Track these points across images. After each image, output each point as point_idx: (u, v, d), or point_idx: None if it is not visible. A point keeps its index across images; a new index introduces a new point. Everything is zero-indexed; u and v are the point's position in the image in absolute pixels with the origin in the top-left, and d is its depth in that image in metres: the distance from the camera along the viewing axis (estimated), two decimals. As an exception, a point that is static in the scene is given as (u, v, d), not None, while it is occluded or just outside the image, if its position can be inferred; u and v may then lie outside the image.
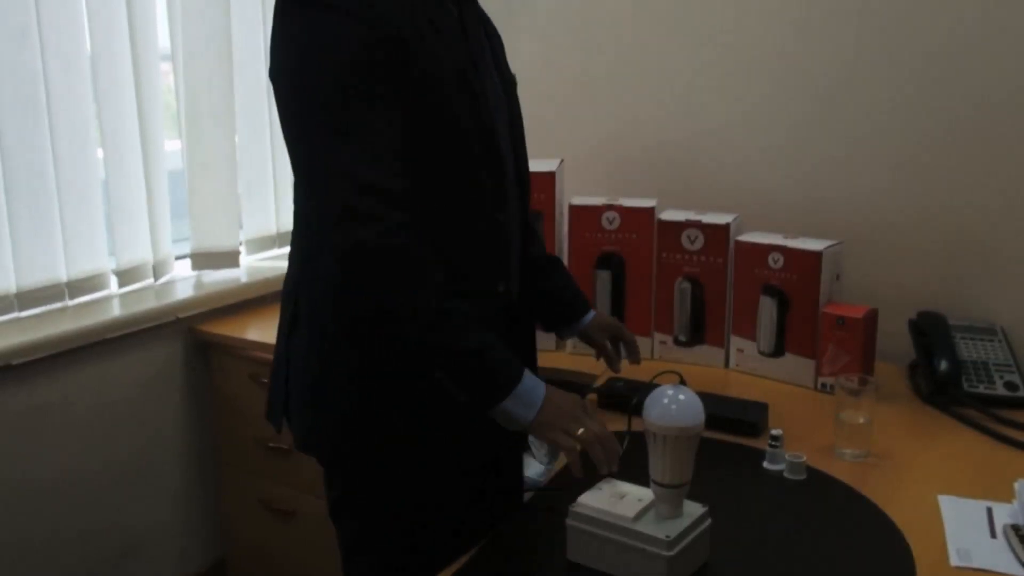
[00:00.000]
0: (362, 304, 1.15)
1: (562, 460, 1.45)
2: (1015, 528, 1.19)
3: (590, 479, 1.16)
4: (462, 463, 1.32)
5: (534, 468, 1.88)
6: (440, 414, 1.23)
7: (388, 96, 1.12)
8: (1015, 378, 1.67)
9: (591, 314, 1.58)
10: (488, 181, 1.26)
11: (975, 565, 1.14)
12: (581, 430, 1.16)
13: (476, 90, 1.23)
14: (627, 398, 1.55)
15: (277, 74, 1.17)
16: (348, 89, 1.11)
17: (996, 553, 1.16)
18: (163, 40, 2.17)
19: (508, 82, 1.38)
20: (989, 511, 1.26)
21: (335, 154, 1.11)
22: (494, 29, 1.41)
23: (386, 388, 1.24)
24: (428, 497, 1.30)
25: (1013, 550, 1.16)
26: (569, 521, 1.13)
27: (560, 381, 1.53)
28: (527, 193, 1.41)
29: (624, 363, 1.63)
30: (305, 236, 1.28)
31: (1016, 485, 1.26)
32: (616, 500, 1.12)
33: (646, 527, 1.08)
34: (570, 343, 1.93)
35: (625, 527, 1.08)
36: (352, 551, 1.39)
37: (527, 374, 1.18)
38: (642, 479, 1.13)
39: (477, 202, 1.25)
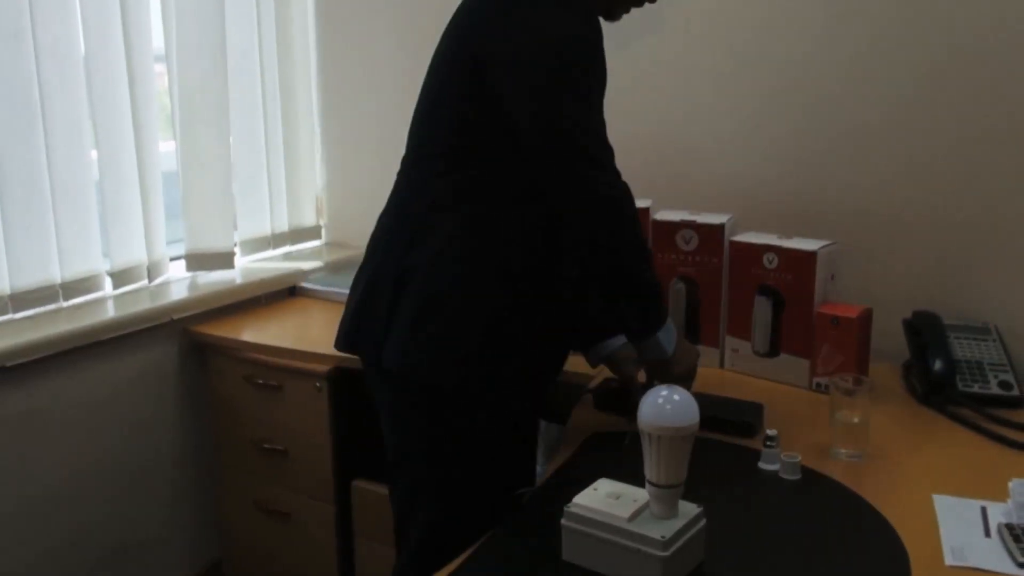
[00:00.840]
0: (606, 240, 1.38)
1: (556, 461, 1.46)
2: (1009, 527, 1.19)
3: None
4: (533, 414, 1.54)
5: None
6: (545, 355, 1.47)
7: (604, 81, 1.39)
8: (1009, 377, 1.68)
9: (623, 339, 1.55)
10: None
11: (970, 564, 1.14)
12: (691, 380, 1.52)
13: None
14: (623, 399, 1.55)
15: (512, 53, 1.34)
16: (587, 71, 1.35)
17: (990, 552, 1.16)
18: (157, 41, 2.17)
19: None
20: (983, 510, 1.26)
21: (584, 119, 1.34)
22: None
23: (518, 316, 1.41)
24: (504, 443, 1.46)
25: (1007, 549, 1.16)
26: (564, 522, 1.13)
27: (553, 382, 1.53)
28: None
29: None
30: (434, 187, 1.43)
31: (1010, 484, 1.26)
32: (611, 500, 1.12)
33: (641, 527, 1.08)
34: None
35: (620, 527, 1.08)
36: (420, 495, 1.48)
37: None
38: (637, 479, 1.13)
39: None
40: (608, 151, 1.38)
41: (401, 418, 1.47)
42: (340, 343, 1.53)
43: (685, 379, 1.51)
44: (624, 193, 1.39)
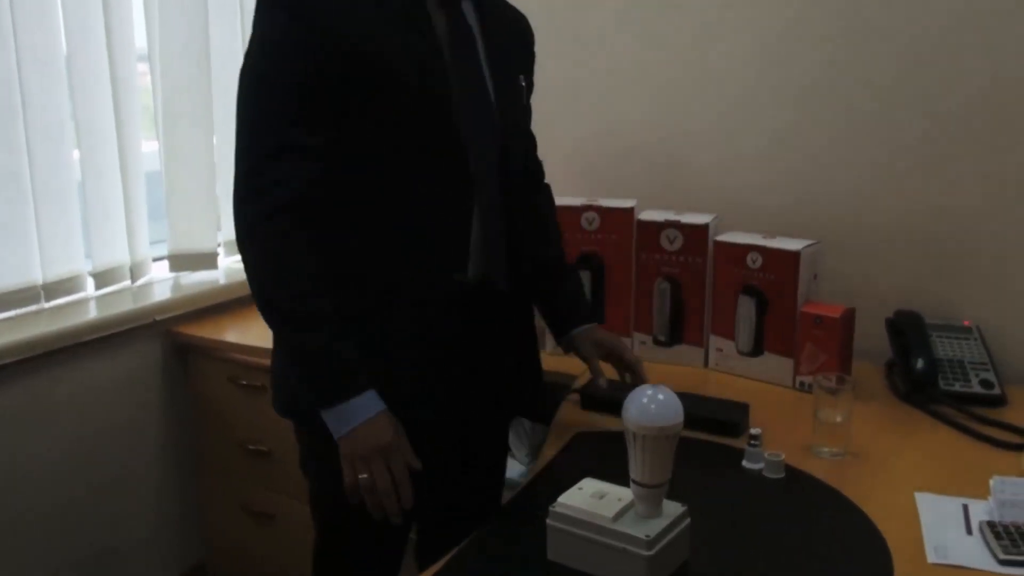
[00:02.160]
0: (249, 278, 1.25)
1: (541, 461, 1.46)
2: (991, 525, 1.20)
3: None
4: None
5: (515, 469, 1.88)
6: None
7: (304, 90, 1.20)
8: (990, 376, 1.69)
9: (583, 328, 1.55)
10: (447, 171, 1.29)
11: (951, 562, 1.15)
12: (365, 475, 1.22)
13: (431, 85, 1.25)
14: (610, 398, 1.55)
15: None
16: (267, 79, 1.21)
17: (972, 550, 1.17)
18: (140, 40, 2.16)
19: (510, 85, 1.40)
20: (965, 508, 1.27)
21: (245, 138, 1.22)
22: (509, 38, 1.42)
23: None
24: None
25: (988, 547, 1.17)
26: (549, 521, 1.13)
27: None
28: (522, 188, 1.46)
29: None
30: None
31: (991, 482, 1.27)
32: (596, 500, 1.12)
33: (626, 527, 1.08)
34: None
35: (605, 527, 1.09)
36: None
37: (363, 396, 1.23)
38: (622, 479, 1.14)
39: (433, 190, 1.28)
40: (257, 175, 1.21)
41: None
42: None
43: (346, 481, 1.24)
44: (268, 233, 1.20)
